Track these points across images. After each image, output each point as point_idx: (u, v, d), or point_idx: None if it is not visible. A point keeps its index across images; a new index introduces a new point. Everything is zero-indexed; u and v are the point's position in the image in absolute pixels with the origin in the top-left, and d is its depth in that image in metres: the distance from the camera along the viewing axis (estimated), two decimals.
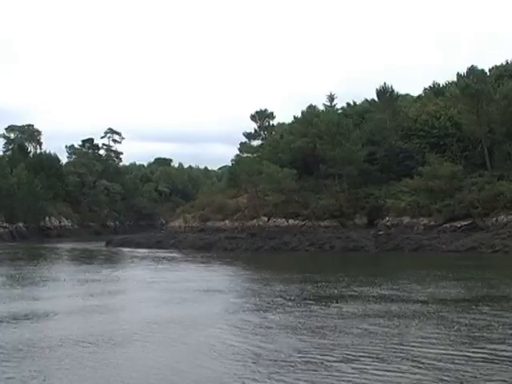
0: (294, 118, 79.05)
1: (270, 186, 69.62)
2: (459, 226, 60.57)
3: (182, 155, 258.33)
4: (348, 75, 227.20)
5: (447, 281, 33.39)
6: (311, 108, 77.20)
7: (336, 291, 30.38)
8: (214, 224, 75.17)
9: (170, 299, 28.92)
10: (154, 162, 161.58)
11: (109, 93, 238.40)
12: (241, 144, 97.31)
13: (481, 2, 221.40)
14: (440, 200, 62.60)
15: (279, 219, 70.17)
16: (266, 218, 71.38)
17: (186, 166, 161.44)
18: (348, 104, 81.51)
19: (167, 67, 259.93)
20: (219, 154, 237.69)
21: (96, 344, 18.87)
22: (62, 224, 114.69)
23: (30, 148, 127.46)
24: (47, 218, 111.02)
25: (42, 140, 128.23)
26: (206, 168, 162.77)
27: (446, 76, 74.54)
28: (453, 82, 75.22)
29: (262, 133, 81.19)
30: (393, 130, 70.57)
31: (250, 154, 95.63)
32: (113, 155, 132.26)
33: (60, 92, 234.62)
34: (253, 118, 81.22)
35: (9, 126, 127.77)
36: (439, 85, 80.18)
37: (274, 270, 45.48)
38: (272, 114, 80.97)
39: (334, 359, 16.50)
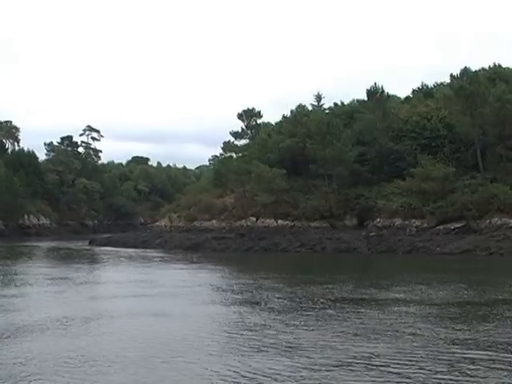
0: (283, 117, 78.19)
1: (260, 186, 68.62)
2: (452, 228, 60.03)
3: (156, 155, 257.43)
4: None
5: (455, 283, 32.66)
6: (300, 107, 76.37)
7: (346, 294, 29.47)
8: (201, 224, 74.01)
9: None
10: (131, 161, 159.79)
11: (85, 92, 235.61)
12: (224, 143, 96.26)
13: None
14: (432, 202, 62.03)
15: (268, 219, 69.18)
16: (254, 218, 70.36)
17: (163, 165, 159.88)
18: (335, 104, 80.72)
19: (145, 67, 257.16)
20: (193, 154, 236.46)
21: None
22: (41, 222, 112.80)
23: (8, 145, 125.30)
24: (26, 216, 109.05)
25: (19, 137, 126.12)
26: (184, 167, 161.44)
27: (445, 76, 74.19)
28: (441, 83, 74.96)
29: (248, 132, 79.96)
30: (383, 131, 69.83)
31: (234, 154, 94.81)
32: (92, 153, 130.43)
33: (38, 90, 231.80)
34: (240, 116, 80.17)
35: None
36: (427, 86, 79.82)
37: (272, 271, 44.52)
38: (259, 113, 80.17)
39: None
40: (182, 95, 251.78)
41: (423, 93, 76.85)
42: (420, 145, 67.43)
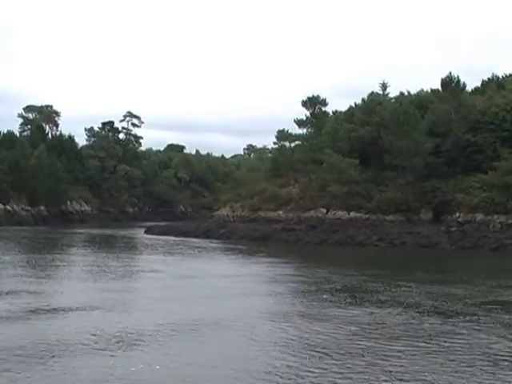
0: (355, 105, 75.78)
1: (332, 176, 66.37)
2: None
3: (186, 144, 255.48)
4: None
5: None
6: (373, 95, 73.89)
7: (491, 297, 27.31)
8: (266, 214, 71.90)
9: None
10: (167, 149, 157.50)
11: (117, 80, 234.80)
12: (279, 132, 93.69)
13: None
14: None
15: (340, 211, 66.92)
16: (324, 210, 68.15)
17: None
18: (401, 93, 78.14)
19: (166, 58, 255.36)
20: (218, 143, 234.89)
21: None
22: (83, 209, 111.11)
23: (47, 129, 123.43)
24: (69, 203, 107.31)
25: (59, 122, 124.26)
26: (222, 156, 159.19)
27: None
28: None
29: (313, 120, 77.44)
30: (459, 123, 67.35)
31: (294, 143, 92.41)
32: (133, 139, 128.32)
33: (72, 77, 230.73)
34: (304, 104, 77.64)
35: (27, 106, 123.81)
36: (498, 77, 77.30)
37: (370, 266, 42.44)
38: (325, 100, 77.48)
39: None
40: (204, 87, 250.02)
41: (496, 84, 74.24)
42: (500, 137, 64.79)
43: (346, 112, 76.75)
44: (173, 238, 69.22)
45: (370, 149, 68.68)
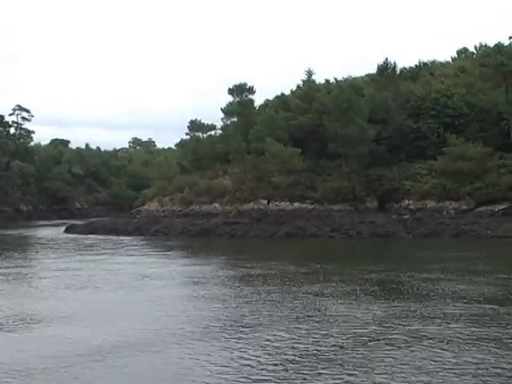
0: (291, 92, 72.97)
1: (275, 166, 63.49)
2: (497, 210, 57.02)
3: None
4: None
5: None
6: (309, 82, 71.31)
7: None
8: (201, 208, 68.19)
9: None
10: (50, 143, 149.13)
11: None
12: (191, 122, 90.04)
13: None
14: (468, 183, 58.92)
15: (282, 202, 64.16)
16: (265, 201, 65.19)
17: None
18: (327, 80, 75.71)
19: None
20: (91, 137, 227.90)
21: None
22: None
23: None
24: None
25: None
26: (114, 149, 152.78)
27: None
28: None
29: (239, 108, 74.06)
30: (398, 109, 66.09)
31: (201, 133, 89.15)
32: (24, 134, 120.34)
33: None
34: (231, 91, 74.24)
35: None
36: (425, 63, 76.98)
37: (359, 261, 40.03)
38: (252, 88, 74.24)
39: None
40: (71, 81, 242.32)
41: (428, 69, 73.62)
42: (442, 123, 63.96)
43: (276, 99, 74.00)
44: (102, 236, 64.21)
45: (310, 137, 66.30)
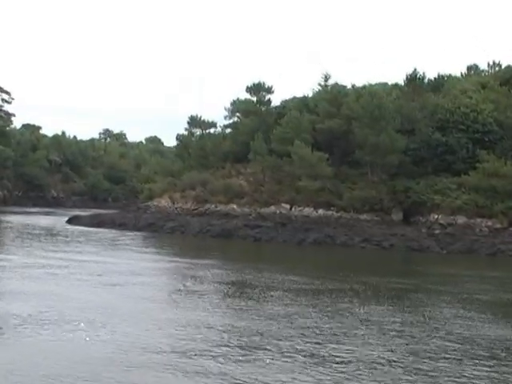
0: (316, 94, 71.10)
1: (302, 171, 61.63)
2: None
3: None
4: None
5: None
6: (337, 86, 69.49)
7: None
8: (217, 207, 65.87)
9: None
10: (22, 129, 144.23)
11: None
12: (192, 118, 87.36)
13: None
14: (500, 201, 58.06)
15: (307, 208, 62.32)
16: (287, 206, 63.23)
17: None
18: (352, 86, 73.89)
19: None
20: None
21: None
22: None
23: None
24: None
25: None
26: (92, 139, 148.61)
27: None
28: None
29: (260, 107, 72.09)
30: (426, 121, 64.87)
31: (200, 130, 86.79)
32: (4, 116, 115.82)
33: None
34: (249, 90, 72.12)
35: None
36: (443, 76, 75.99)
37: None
38: (270, 88, 72.21)
39: None
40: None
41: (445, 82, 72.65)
42: (471, 139, 62.97)
43: (297, 101, 72.14)
44: (114, 231, 61.71)
45: (335, 142, 64.68)
